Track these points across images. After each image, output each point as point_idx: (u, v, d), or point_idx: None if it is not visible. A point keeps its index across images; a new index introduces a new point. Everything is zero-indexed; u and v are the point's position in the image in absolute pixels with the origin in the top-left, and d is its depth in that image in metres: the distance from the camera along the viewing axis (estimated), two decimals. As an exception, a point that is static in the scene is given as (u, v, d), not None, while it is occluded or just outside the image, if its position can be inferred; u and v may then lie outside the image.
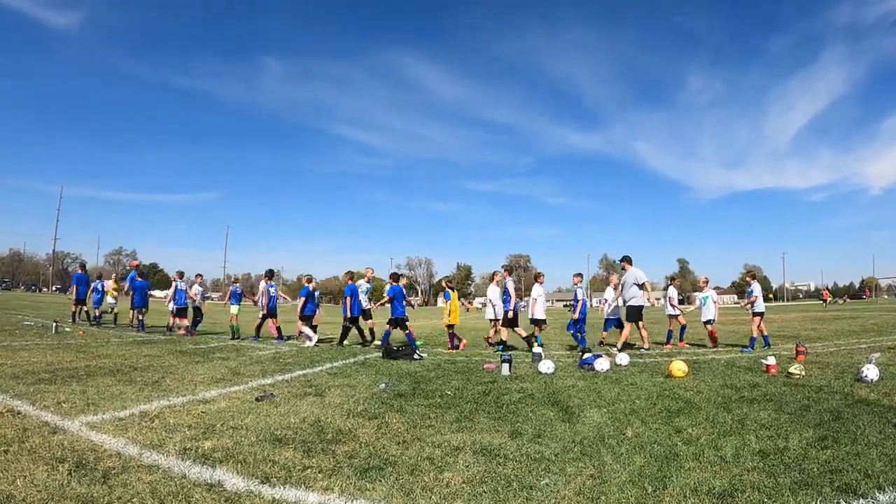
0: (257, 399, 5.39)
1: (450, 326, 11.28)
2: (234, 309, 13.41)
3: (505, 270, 11.44)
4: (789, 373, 6.67)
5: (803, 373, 6.65)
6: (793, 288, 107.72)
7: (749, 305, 10.49)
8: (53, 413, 4.64)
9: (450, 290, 11.80)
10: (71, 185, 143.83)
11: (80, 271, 16.59)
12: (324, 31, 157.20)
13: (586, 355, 8.23)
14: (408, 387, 6.28)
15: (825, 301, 42.54)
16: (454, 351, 10.69)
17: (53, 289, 71.90)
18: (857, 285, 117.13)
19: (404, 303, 10.84)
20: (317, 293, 12.77)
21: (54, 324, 13.40)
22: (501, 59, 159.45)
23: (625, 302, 10.44)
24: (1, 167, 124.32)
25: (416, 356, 9.03)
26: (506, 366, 7.35)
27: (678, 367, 6.89)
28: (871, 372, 6.13)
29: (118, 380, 6.45)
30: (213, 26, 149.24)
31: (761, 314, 10.39)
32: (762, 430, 4.21)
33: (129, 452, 3.59)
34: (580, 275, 11.60)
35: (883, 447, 3.69)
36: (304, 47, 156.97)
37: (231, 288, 14.04)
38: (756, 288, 10.60)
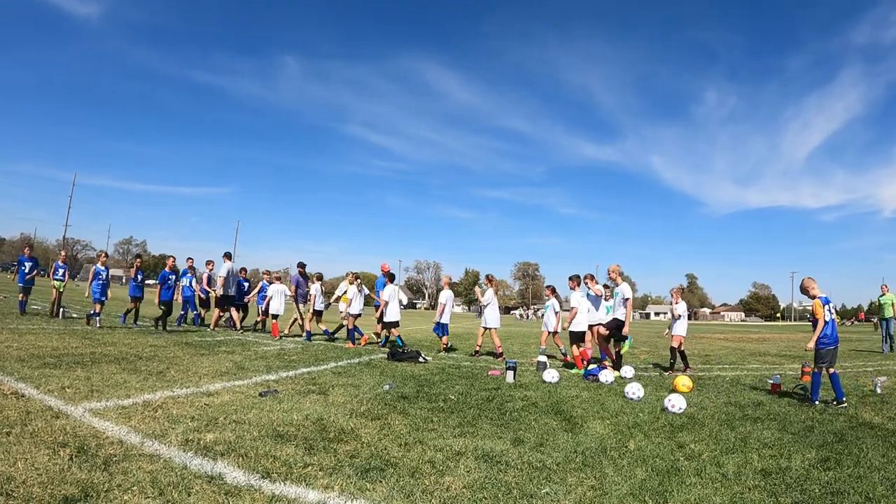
0: (261, 394, 5.40)
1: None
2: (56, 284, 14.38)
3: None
4: (795, 392, 6.61)
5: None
6: (801, 308, 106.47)
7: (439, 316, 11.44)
8: (57, 398, 4.68)
9: None
10: (84, 174, 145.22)
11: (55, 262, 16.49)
12: (343, 33, 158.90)
13: (591, 366, 8.20)
14: (412, 389, 6.27)
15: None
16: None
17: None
18: (865, 307, 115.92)
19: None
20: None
21: (62, 309, 13.53)
22: (518, 67, 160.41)
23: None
24: (16, 153, 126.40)
25: (421, 359, 9.03)
26: (510, 373, 7.33)
27: (683, 383, 6.86)
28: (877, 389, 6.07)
29: (123, 368, 6.49)
30: (232, 23, 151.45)
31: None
32: (765, 449, 4.18)
33: (131, 441, 3.60)
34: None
35: (885, 471, 3.66)
36: (322, 49, 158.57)
37: (55, 263, 14.92)
38: (445, 294, 11.51)
